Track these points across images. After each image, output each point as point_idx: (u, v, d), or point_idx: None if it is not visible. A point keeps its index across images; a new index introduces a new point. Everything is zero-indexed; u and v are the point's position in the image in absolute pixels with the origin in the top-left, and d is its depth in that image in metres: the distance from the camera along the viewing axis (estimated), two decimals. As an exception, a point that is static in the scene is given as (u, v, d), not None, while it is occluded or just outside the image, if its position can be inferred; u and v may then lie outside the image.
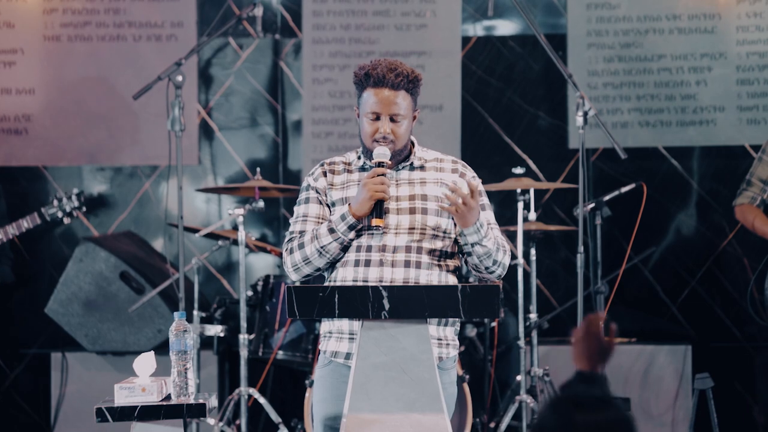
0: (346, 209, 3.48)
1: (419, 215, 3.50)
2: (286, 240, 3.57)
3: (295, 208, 3.62)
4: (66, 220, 6.17)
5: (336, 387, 3.44)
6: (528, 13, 5.05)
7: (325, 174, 3.60)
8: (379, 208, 3.47)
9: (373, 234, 3.49)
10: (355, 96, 3.65)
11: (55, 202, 6.14)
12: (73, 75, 6.52)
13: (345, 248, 3.51)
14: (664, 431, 5.85)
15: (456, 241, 3.57)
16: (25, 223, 6.07)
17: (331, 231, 3.48)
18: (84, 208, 6.23)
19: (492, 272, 3.54)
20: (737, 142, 6.38)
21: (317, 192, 3.58)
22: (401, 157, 3.59)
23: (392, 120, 3.54)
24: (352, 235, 3.48)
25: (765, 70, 6.37)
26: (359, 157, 3.63)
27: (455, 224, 3.54)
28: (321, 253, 3.49)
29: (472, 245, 3.46)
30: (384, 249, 3.47)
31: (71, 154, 6.53)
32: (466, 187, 3.38)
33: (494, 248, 3.49)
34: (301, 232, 3.56)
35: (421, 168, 3.60)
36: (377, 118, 3.54)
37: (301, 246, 3.51)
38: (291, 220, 3.61)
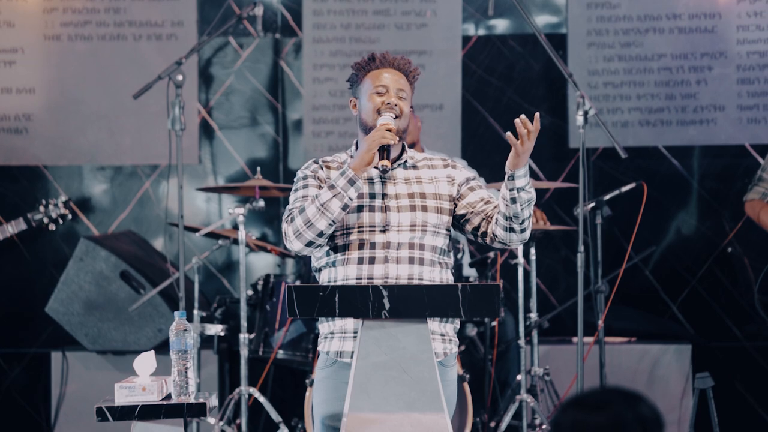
0: (345, 165, 3.44)
1: (420, 212, 3.49)
2: (286, 216, 3.47)
3: (293, 194, 3.53)
4: (51, 227, 6.15)
5: (339, 388, 3.39)
6: (528, 12, 5.05)
7: (321, 168, 3.57)
8: (385, 152, 3.43)
9: (374, 231, 3.47)
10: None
11: (42, 208, 6.13)
12: (73, 75, 6.52)
13: (344, 239, 3.45)
14: (669, 430, 5.85)
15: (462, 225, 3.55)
16: (10, 228, 6.07)
17: (331, 187, 3.40)
18: (70, 216, 6.21)
19: (524, 229, 3.44)
20: (737, 141, 6.38)
21: (317, 179, 3.53)
22: (397, 152, 3.57)
23: (398, 97, 3.53)
24: (352, 193, 3.39)
25: (765, 70, 6.36)
26: (352, 156, 3.59)
27: (460, 221, 3.53)
28: (322, 212, 3.38)
29: (518, 191, 3.37)
30: (388, 246, 3.45)
31: (71, 154, 6.52)
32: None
33: (534, 197, 3.43)
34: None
35: (414, 167, 3.59)
36: (385, 92, 3.52)
37: (302, 210, 3.42)
38: (289, 206, 3.51)
